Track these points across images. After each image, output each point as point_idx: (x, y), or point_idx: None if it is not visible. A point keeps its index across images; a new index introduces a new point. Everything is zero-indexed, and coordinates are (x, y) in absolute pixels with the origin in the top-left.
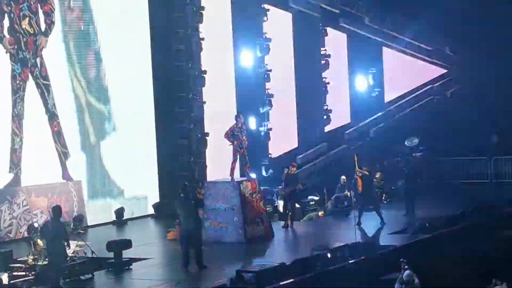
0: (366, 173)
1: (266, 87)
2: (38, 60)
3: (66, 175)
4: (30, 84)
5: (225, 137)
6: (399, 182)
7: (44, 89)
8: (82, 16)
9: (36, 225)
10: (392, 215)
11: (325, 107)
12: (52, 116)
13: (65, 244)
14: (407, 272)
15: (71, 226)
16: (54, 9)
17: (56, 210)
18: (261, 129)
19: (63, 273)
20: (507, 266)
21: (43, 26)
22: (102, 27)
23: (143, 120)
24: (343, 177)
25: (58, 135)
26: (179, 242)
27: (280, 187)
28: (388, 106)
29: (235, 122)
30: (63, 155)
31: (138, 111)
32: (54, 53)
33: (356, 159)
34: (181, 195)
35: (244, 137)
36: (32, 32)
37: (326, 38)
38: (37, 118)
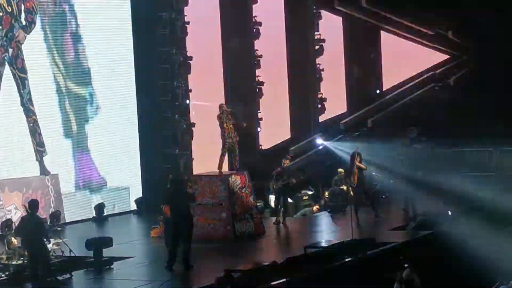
0: (364, 167)
1: (256, 74)
2: (14, 50)
3: (43, 171)
4: (6, 72)
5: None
6: (398, 175)
7: (20, 82)
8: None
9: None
10: (391, 211)
11: (320, 95)
12: (28, 112)
13: (45, 240)
14: (407, 270)
15: (48, 223)
16: (37, 10)
17: (33, 205)
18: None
19: (51, 269)
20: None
21: (24, 20)
22: (81, 16)
23: (125, 110)
24: (341, 169)
25: (33, 132)
26: (163, 239)
27: (272, 181)
28: (386, 94)
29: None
30: (38, 153)
31: (120, 100)
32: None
33: (357, 153)
34: (171, 189)
35: (231, 125)
36: (9, 10)
37: (320, 21)
38: (13, 109)
